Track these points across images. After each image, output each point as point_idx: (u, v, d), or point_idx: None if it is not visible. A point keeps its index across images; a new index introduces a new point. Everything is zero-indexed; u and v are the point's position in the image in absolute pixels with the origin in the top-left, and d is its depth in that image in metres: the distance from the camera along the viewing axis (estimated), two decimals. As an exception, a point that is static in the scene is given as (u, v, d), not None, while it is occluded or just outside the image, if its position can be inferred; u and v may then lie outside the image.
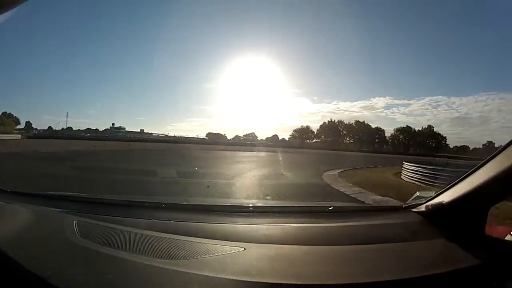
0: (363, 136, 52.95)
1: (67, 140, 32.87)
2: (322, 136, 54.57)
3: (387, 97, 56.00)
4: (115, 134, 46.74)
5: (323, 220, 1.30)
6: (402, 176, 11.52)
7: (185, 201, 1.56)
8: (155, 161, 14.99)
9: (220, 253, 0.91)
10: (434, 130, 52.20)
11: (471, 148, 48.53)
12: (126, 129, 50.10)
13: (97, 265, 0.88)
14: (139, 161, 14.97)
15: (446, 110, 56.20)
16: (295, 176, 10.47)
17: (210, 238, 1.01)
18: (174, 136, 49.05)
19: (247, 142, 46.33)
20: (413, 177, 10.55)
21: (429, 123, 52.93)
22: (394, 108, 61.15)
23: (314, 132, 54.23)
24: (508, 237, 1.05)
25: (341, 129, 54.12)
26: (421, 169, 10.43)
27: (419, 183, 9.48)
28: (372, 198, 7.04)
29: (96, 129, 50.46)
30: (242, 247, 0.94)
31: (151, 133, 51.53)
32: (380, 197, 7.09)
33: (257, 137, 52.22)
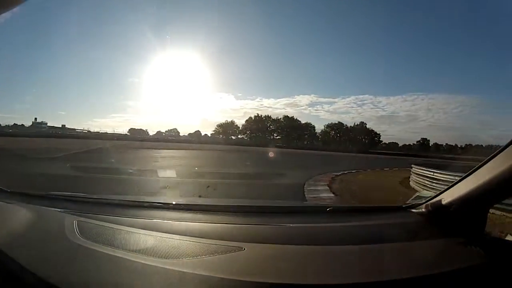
0: (292, 132, 50.57)
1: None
2: (248, 132, 51.16)
3: (312, 95, 55.38)
4: (39, 129, 42.32)
5: (323, 220, 1.30)
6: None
7: (185, 201, 1.57)
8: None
9: (220, 253, 0.91)
10: (368, 127, 51.04)
11: (400, 145, 49.72)
12: (48, 125, 45.36)
13: (97, 265, 0.88)
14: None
15: (371, 108, 57.24)
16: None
17: (210, 238, 1.01)
18: (96, 132, 44.86)
19: (168, 138, 44.06)
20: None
21: (353, 121, 52.13)
22: (318, 106, 60.70)
23: (239, 127, 51.06)
24: (508, 237, 1.05)
25: (269, 125, 51.15)
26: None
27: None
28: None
29: (22, 125, 45.31)
30: (242, 247, 0.94)
31: (75, 129, 46.98)
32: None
33: (179, 133, 49.58)
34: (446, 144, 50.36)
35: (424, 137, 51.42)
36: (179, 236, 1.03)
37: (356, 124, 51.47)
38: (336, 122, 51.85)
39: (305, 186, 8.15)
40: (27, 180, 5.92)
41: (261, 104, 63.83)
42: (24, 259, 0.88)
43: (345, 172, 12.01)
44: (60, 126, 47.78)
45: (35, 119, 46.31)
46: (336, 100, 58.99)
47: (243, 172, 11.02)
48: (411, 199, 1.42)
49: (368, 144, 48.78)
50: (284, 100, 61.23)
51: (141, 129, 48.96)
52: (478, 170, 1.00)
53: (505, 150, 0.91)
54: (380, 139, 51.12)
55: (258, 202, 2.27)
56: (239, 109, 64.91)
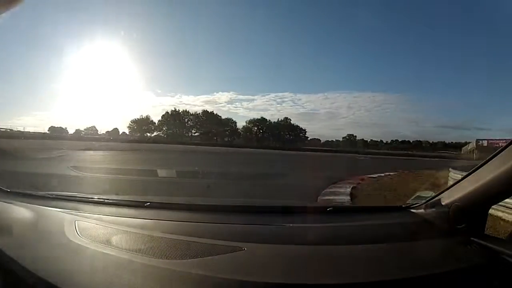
0: (212, 128, 47.32)
1: None
2: (165, 128, 47.74)
3: (231, 92, 55.13)
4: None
5: (323, 220, 1.30)
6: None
7: (185, 201, 1.56)
8: None
9: (220, 253, 0.91)
10: (292, 123, 49.45)
11: (322, 141, 49.64)
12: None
13: (97, 265, 0.88)
14: None
15: (291, 106, 57.14)
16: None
17: (210, 238, 1.01)
18: (18, 131, 40.21)
19: (85, 137, 39.81)
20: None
21: (273, 118, 50.63)
22: (237, 103, 60.84)
23: (155, 123, 47.55)
24: (508, 237, 1.05)
25: (187, 120, 47.91)
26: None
27: None
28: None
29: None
30: (242, 247, 0.94)
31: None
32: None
33: (97, 131, 46.20)
34: (371, 140, 51.46)
35: (347, 133, 51.50)
36: (179, 236, 1.03)
37: (280, 119, 50.08)
38: (259, 117, 49.80)
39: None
40: None
41: (181, 101, 61.11)
42: (24, 259, 0.88)
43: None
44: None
45: None
46: (255, 97, 59.07)
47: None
48: (411, 199, 1.42)
49: (293, 140, 47.73)
50: (203, 97, 61.00)
51: (60, 127, 45.99)
52: (478, 170, 1.00)
53: (505, 150, 0.91)
54: (306, 135, 49.99)
55: (258, 202, 2.27)
56: (158, 105, 64.68)
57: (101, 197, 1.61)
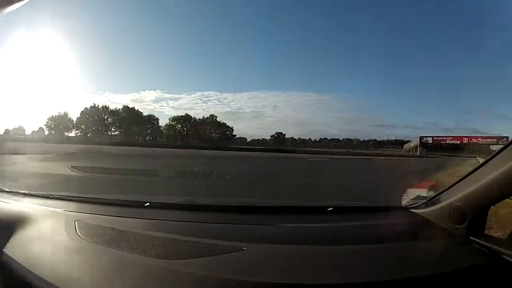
0: (133, 126, 43.34)
1: None
2: (83, 126, 42.37)
3: (158, 91, 52.04)
4: None
5: (323, 220, 1.30)
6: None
7: (185, 201, 1.56)
8: None
9: (220, 253, 0.91)
10: (219, 120, 46.29)
11: (248, 140, 47.85)
12: None
13: (97, 265, 0.88)
14: None
15: (217, 105, 55.25)
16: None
17: (210, 238, 1.01)
18: None
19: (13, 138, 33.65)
20: None
21: (197, 117, 47.21)
22: (163, 102, 58.58)
23: (73, 121, 42.05)
24: (508, 237, 1.05)
25: (106, 117, 42.76)
26: None
27: None
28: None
29: None
30: (242, 247, 0.94)
31: None
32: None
33: (25, 131, 41.09)
34: (299, 138, 50.24)
35: (274, 132, 49.09)
36: (179, 236, 1.03)
37: (205, 117, 46.91)
38: (183, 114, 46.39)
39: None
40: None
41: (109, 99, 57.06)
42: (24, 259, 0.88)
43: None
44: None
45: None
46: (181, 96, 56.64)
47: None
48: (411, 199, 1.42)
49: (219, 138, 45.44)
50: (131, 96, 57.16)
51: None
52: (478, 170, 1.00)
53: (505, 150, 0.91)
54: (233, 133, 47.45)
55: (258, 202, 2.27)
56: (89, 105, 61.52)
57: (101, 197, 1.61)
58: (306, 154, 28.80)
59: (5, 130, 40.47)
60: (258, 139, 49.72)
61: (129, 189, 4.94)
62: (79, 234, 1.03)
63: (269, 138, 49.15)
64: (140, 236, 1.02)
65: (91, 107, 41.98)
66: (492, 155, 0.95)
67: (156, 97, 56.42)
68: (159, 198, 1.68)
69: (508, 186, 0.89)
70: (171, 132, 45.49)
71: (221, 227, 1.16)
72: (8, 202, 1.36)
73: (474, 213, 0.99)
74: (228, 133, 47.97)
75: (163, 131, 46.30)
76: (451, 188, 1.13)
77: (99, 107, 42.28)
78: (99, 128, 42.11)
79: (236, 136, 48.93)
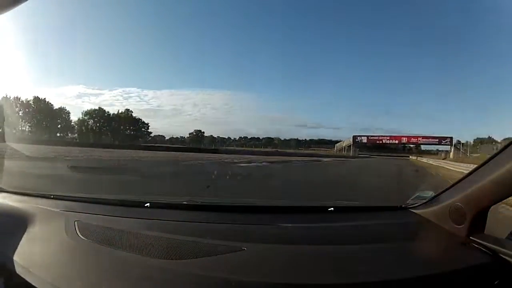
0: (43, 120, 38.98)
1: None
2: None
3: (81, 86, 53.84)
4: None
5: (323, 220, 1.30)
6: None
7: (185, 201, 1.56)
8: None
9: (220, 253, 0.91)
10: (134, 115, 43.74)
11: (167, 138, 47.59)
12: None
13: (98, 265, 0.88)
14: None
15: (137, 101, 55.01)
16: None
17: (210, 238, 1.01)
18: None
19: None
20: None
21: (112, 111, 44.39)
22: (85, 98, 58.43)
23: None
24: (508, 237, 1.05)
25: (17, 110, 38.42)
26: None
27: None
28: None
29: None
30: (242, 247, 0.94)
31: None
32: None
33: None
34: (219, 136, 50.71)
35: (194, 129, 48.92)
36: (179, 236, 1.03)
37: (120, 111, 43.96)
38: (97, 108, 42.69)
39: None
40: None
41: (33, 94, 51.72)
42: (24, 259, 0.88)
43: None
44: None
45: None
46: (103, 92, 56.90)
47: None
48: (411, 199, 1.42)
49: (134, 135, 42.88)
50: (55, 90, 56.75)
51: None
52: (478, 170, 1.00)
53: (505, 150, 0.91)
54: (149, 130, 45.57)
55: (258, 202, 2.27)
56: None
57: (101, 197, 1.61)
58: (227, 155, 26.06)
59: None
60: (177, 137, 49.06)
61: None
62: (79, 234, 1.03)
63: (188, 136, 48.30)
64: (140, 236, 1.02)
65: (3, 97, 35.30)
66: (492, 155, 0.95)
67: (79, 92, 58.55)
68: (159, 198, 1.68)
69: (508, 186, 0.89)
70: (83, 127, 41.70)
71: (221, 227, 1.16)
72: (8, 202, 1.36)
73: (474, 213, 0.99)
74: (144, 129, 45.63)
75: (73, 126, 42.52)
76: (451, 188, 1.13)
77: (11, 97, 37.44)
78: (8, 121, 34.36)
79: (154, 134, 47.11)
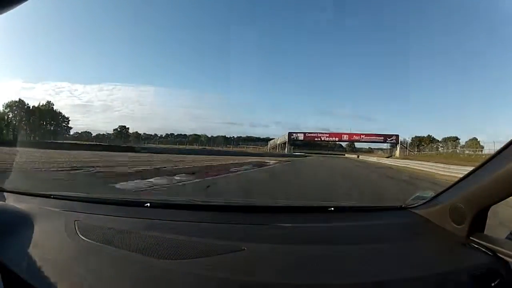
0: None
1: None
2: None
3: (18, 79, 49.22)
4: None
5: (323, 220, 1.30)
6: None
7: (185, 201, 1.56)
8: None
9: (220, 253, 0.91)
10: (55, 109, 40.31)
11: (94, 134, 46.79)
12: None
13: (98, 265, 0.88)
14: None
15: (68, 97, 54.12)
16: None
17: (210, 238, 1.01)
18: None
19: None
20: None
21: (32, 104, 40.56)
22: (22, 92, 53.02)
23: None
24: (508, 237, 1.05)
25: None
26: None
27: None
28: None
29: None
30: (242, 247, 0.94)
31: None
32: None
33: None
34: (145, 133, 50.10)
35: (119, 125, 47.28)
36: (179, 236, 1.03)
37: (41, 104, 40.07)
38: (17, 100, 38.18)
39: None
40: None
41: None
42: (24, 259, 0.88)
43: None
44: None
45: None
46: (36, 85, 53.71)
47: None
48: (411, 199, 1.42)
49: (54, 131, 39.07)
50: None
51: None
52: (478, 170, 1.00)
53: (505, 150, 0.91)
54: (69, 125, 42.94)
55: (259, 202, 2.27)
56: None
57: (101, 197, 1.61)
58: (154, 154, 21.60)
59: None
60: (104, 134, 48.06)
61: None
62: (79, 234, 1.03)
63: (112, 132, 46.82)
64: (140, 236, 1.02)
65: None
66: (492, 155, 0.95)
67: (9, 85, 51.07)
68: (159, 198, 1.68)
69: (508, 186, 0.89)
70: (3, 121, 37.14)
71: (221, 227, 1.16)
72: (8, 202, 1.36)
73: (474, 213, 0.99)
74: (65, 124, 42.20)
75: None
76: (451, 188, 1.13)
77: None
78: None
79: (82, 131, 45.46)
